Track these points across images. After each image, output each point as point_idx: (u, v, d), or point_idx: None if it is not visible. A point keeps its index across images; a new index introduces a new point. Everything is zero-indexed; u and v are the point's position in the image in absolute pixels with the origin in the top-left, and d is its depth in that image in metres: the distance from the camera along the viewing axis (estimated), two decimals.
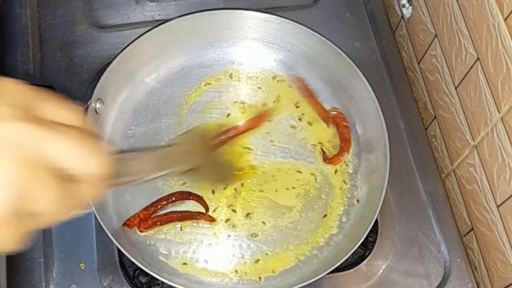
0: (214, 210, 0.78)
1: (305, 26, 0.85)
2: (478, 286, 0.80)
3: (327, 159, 0.83)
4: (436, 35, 0.88)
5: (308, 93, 0.87)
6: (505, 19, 0.68)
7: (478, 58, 0.75)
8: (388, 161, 0.76)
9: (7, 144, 0.29)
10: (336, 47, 0.83)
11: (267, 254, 0.77)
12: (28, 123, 0.30)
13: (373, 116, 0.80)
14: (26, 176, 0.30)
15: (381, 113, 0.79)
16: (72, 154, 0.32)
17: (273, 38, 0.88)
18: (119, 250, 0.76)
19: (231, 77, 0.89)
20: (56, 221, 0.33)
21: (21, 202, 0.30)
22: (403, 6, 0.98)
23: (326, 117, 0.86)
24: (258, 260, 0.76)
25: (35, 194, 0.30)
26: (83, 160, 0.32)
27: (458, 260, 0.81)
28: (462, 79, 0.81)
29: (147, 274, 0.70)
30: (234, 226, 0.78)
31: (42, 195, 0.31)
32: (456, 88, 0.83)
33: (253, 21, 0.87)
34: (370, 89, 0.80)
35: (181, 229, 0.77)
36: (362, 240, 0.71)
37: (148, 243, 0.76)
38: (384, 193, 0.74)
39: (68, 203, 0.32)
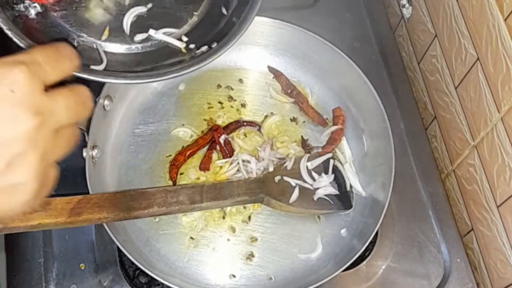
0: (218, 218, 0.79)
1: (318, 35, 0.85)
2: (478, 286, 0.80)
3: (306, 147, 0.83)
4: (436, 35, 0.88)
5: (296, 92, 0.88)
6: (505, 19, 0.68)
7: (478, 58, 0.75)
8: (393, 176, 0.76)
9: (28, 141, 0.38)
10: (349, 59, 0.83)
11: (266, 259, 0.77)
12: (40, 117, 0.38)
13: (381, 131, 0.80)
14: (44, 150, 0.39)
15: (389, 127, 0.79)
16: (73, 119, 0.42)
17: (286, 45, 0.88)
18: (119, 250, 0.76)
19: (241, 82, 0.89)
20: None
21: (48, 164, 0.40)
22: (403, 6, 0.98)
23: (314, 115, 0.86)
24: (257, 264, 0.76)
25: (56, 155, 0.41)
26: (79, 116, 0.43)
27: (458, 260, 0.81)
28: (462, 79, 0.81)
29: (147, 274, 0.70)
30: (234, 230, 0.78)
31: (60, 149, 0.41)
32: (456, 88, 0.83)
33: (265, 27, 0.87)
34: (383, 110, 0.80)
35: (181, 231, 0.77)
36: (360, 252, 0.72)
37: (148, 242, 0.76)
38: (386, 206, 0.74)
39: (75, 140, 0.43)
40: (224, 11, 0.73)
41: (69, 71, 0.43)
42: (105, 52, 0.68)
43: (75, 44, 0.67)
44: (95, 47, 0.68)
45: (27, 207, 0.40)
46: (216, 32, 0.71)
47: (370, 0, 1.02)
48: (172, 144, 0.83)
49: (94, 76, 0.62)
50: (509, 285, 0.75)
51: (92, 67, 0.65)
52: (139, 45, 0.70)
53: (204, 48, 0.69)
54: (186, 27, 0.73)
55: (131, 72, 0.66)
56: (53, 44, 0.43)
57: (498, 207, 0.75)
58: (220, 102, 0.87)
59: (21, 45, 0.59)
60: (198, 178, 0.80)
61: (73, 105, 0.42)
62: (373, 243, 0.80)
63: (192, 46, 0.71)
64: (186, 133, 0.84)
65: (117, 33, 0.69)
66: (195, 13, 0.73)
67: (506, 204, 0.73)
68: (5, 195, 0.38)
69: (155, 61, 0.69)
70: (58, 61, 0.42)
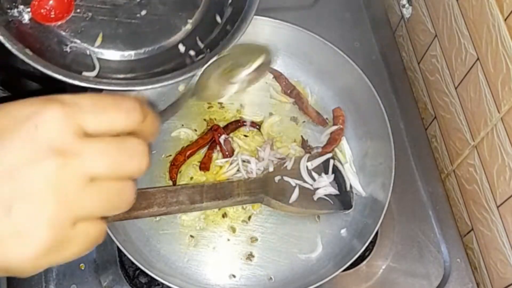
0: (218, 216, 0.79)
1: (318, 35, 0.85)
2: (478, 286, 0.80)
3: (306, 148, 0.83)
4: (436, 35, 0.88)
5: (295, 92, 0.87)
6: (505, 19, 0.68)
7: (478, 58, 0.75)
8: (393, 176, 0.76)
9: (43, 183, 0.33)
10: (349, 59, 0.83)
11: (266, 259, 0.77)
12: (62, 158, 0.34)
13: (382, 131, 0.80)
14: (71, 203, 0.34)
15: (389, 127, 0.79)
16: (110, 168, 0.36)
17: (286, 45, 0.88)
18: (119, 250, 0.76)
19: None
20: (122, 211, 0.37)
21: (75, 220, 0.35)
22: (403, 6, 0.98)
23: (314, 115, 0.86)
24: (257, 264, 0.76)
25: (85, 209, 0.35)
26: (121, 169, 0.36)
27: (458, 260, 0.81)
28: (462, 79, 0.81)
29: (147, 274, 0.70)
30: (234, 230, 0.78)
31: (92, 205, 0.35)
32: (456, 88, 0.83)
33: (265, 27, 0.86)
34: (383, 110, 0.80)
35: (181, 230, 0.77)
36: (360, 252, 0.72)
37: (148, 242, 0.76)
38: (386, 206, 0.74)
39: (121, 198, 0.37)
40: (218, 19, 0.73)
41: (120, 123, 0.37)
42: (98, 59, 0.68)
43: (68, 50, 0.67)
44: (88, 53, 0.68)
45: (38, 263, 0.34)
46: (209, 40, 0.71)
47: (370, 0, 1.02)
48: (172, 144, 0.83)
49: (86, 83, 0.62)
50: (509, 285, 0.75)
51: (85, 73, 0.64)
52: (132, 52, 0.69)
53: (201, 56, 0.69)
54: (180, 35, 0.72)
55: (124, 79, 0.66)
56: (114, 95, 0.38)
57: (498, 207, 0.75)
58: (220, 102, 0.87)
59: (13, 50, 0.59)
60: (193, 178, 0.80)
61: (115, 153, 0.36)
62: (373, 243, 0.80)
63: (192, 53, 0.71)
64: (186, 133, 0.84)
65: (110, 40, 0.69)
66: (189, 20, 0.73)
67: (506, 204, 0.73)
68: (9, 241, 0.33)
69: (147, 69, 0.69)
70: (105, 109, 0.36)
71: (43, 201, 0.33)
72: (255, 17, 0.85)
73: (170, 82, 0.65)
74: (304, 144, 0.84)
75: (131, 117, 0.37)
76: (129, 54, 0.69)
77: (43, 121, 0.34)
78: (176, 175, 0.80)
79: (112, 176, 0.36)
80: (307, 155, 0.82)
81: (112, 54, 0.69)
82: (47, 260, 0.34)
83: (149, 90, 0.86)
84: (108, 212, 0.36)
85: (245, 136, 0.84)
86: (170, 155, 0.82)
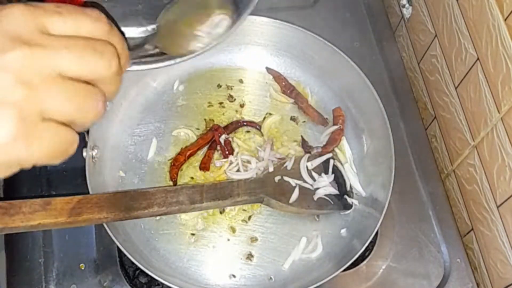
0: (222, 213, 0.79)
1: (318, 35, 0.85)
2: (478, 286, 0.80)
3: (306, 148, 0.83)
4: (436, 35, 0.88)
5: (295, 92, 0.87)
6: (505, 19, 0.68)
7: (478, 58, 0.75)
8: (393, 176, 0.76)
9: (11, 72, 0.32)
10: (349, 59, 0.83)
11: (266, 259, 0.77)
12: (28, 48, 0.33)
13: (382, 131, 0.80)
14: (34, 93, 0.33)
15: (389, 127, 0.79)
16: (77, 64, 0.34)
17: (286, 45, 0.88)
18: (119, 250, 0.76)
19: (241, 82, 0.89)
20: (90, 120, 0.36)
21: (43, 115, 0.34)
22: (403, 6, 0.98)
23: (314, 115, 0.86)
24: (257, 264, 0.76)
25: (53, 104, 0.34)
26: (89, 66, 0.35)
27: (458, 260, 0.81)
28: (462, 79, 0.81)
29: (147, 274, 0.70)
30: (234, 230, 0.78)
31: (59, 101, 0.34)
32: (456, 88, 0.83)
33: (265, 27, 0.87)
34: (383, 110, 0.80)
35: (181, 230, 0.77)
36: (360, 252, 0.71)
37: (148, 242, 0.76)
38: (386, 207, 0.74)
39: (88, 102, 0.35)
40: None
41: (86, 28, 0.36)
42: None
43: None
44: None
45: (6, 152, 0.33)
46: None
47: (370, 0, 1.02)
48: (172, 144, 0.83)
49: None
50: (509, 285, 0.75)
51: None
52: (155, 26, 0.69)
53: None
54: None
55: (154, 55, 0.65)
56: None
57: (498, 207, 0.75)
58: (220, 102, 0.87)
59: None
60: (193, 178, 0.80)
61: (82, 49, 0.35)
62: (373, 243, 0.80)
63: None
64: (186, 133, 0.84)
65: (132, 18, 0.66)
66: None
67: (506, 204, 0.73)
68: None
69: None
70: (71, 13, 0.35)
71: (11, 91, 0.33)
72: (254, 17, 0.85)
73: (203, 50, 0.64)
74: (304, 144, 0.84)
75: (98, 25, 0.36)
76: (152, 28, 0.68)
77: (7, 14, 0.34)
78: (177, 175, 0.80)
79: (80, 73, 0.35)
80: (307, 155, 0.82)
81: (135, 31, 0.68)
82: (14, 151, 0.33)
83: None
84: (76, 115, 0.35)
85: (245, 136, 0.84)
86: (171, 156, 0.82)
